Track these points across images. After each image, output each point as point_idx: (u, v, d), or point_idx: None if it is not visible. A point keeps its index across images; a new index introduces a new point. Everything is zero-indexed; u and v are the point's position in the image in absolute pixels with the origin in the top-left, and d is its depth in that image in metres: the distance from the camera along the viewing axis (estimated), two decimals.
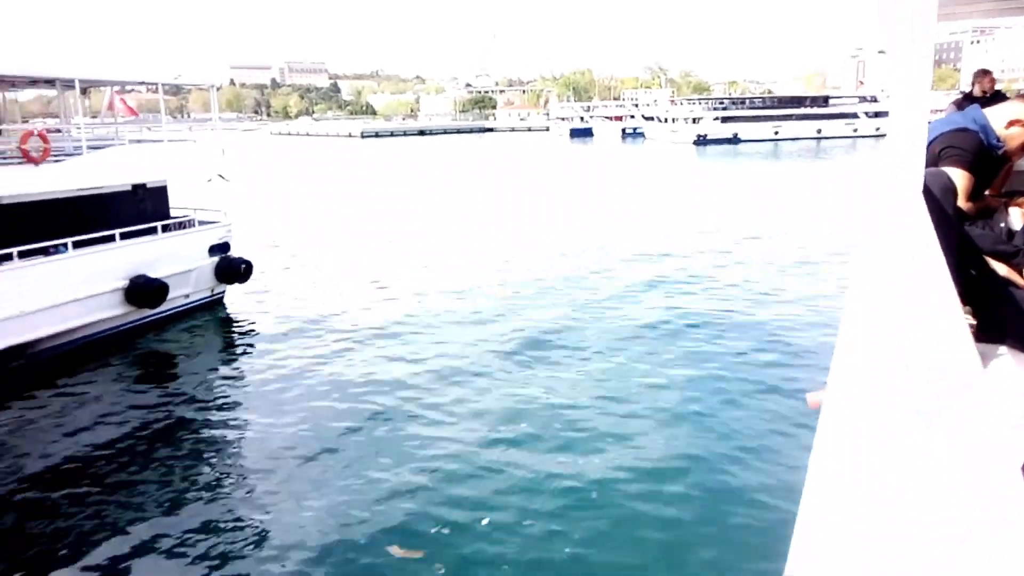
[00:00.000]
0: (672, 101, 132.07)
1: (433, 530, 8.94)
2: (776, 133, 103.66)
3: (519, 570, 8.16)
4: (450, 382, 13.89)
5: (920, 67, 2.72)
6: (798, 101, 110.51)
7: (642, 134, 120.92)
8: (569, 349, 15.69)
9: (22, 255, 14.76)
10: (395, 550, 8.54)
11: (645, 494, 9.76)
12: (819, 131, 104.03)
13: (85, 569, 8.42)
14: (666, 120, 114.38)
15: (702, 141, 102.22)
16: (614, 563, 8.30)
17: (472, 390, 13.47)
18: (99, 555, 8.67)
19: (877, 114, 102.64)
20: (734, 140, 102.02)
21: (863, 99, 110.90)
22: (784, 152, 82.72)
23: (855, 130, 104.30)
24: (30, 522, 9.43)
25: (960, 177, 3.55)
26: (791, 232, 29.70)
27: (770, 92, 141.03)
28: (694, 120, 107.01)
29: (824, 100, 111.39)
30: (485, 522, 9.09)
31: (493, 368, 14.68)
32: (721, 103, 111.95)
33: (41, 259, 15.18)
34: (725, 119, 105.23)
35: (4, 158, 15.84)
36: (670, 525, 9.03)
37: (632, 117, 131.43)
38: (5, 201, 14.95)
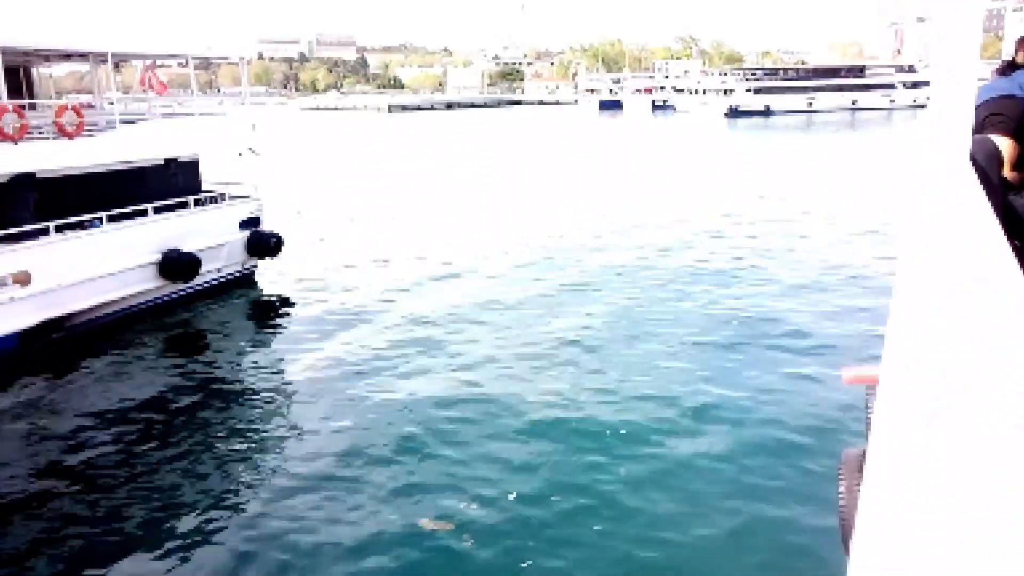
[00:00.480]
0: (703, 72, 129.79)
1: (462, 504, 9.00)
2: (810, 105, 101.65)
3: (545, 543, 8.19)
4: (476, 359, 13.91)
5: (968, 30, 2.60)
6: (832, 72, 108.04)
7: (672, 107, 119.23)
8: (600, 332, 15.63)
9: (59, 229, 14.99)
10: (425, 523, 8.61)
11: (681, 476, 9.73)
12: (854, 102, 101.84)
13: (113, 536, 8.61)
14: (697, 92, 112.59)
15: (734, 113, 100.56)
16: (639, 538, 8.30)
17: (498, 364, 13.48)
18: (129, 524, 8.85)
19: (915, 84, 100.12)
20: (766, 112, 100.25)
21: (900, 69, 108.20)
22: (818, 124, 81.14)
23: (892, 101, 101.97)
24: (63, 490, 9.66)
25: (1006, 145, 3.41)
26: (825, 208, 29.20)
27: (803, 62, 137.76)
28: (726, 92, 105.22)
29: (859, 70, 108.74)
30: (512, 497, 9.13)
31: (519, 340, 14.68)
32: (753, 74, 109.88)
33: (77, 233, 15.39)
34: (757, 91, 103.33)
35: (39, 132, 16.01)
36: (708, 515, 8.99)
37: (662, 89, 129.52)
38: (41, 175, 15.14)
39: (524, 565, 7.86)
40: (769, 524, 8.45)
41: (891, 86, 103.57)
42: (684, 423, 11.04)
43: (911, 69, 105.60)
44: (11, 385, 13.20)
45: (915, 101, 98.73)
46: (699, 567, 7.87)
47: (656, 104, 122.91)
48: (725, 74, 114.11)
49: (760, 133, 72.90)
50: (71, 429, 11.43)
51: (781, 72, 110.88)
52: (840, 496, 1.74)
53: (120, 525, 8.83)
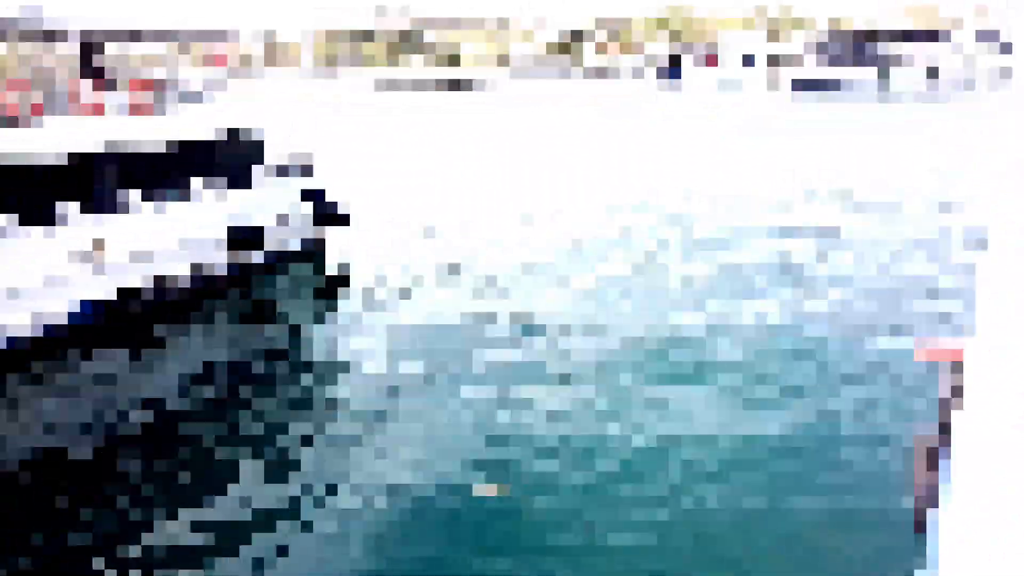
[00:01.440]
0: (771, 43, 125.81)
1: (519, 468, 9.03)
2: (883, 76, 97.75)
3: (606, 513, 8.17)
4: (551, 329, 13.91)
5: None
6: (908, 36, 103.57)
7: (738, 79, 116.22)
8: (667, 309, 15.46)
9: (136, 201, 15.51)
10: (478, 488, 8.68)
11: (748, 464, 9.60)
12: (931, 71, 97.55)
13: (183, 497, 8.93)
14: (763, 63, 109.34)
15: (801, 85, 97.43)
16: (705, 520, 8.22)
17: (567, 339, 13.45)
18: (203, 484, 9.18)
19: (1004, 49, 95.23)
20: (836, 84, 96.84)
21: (982, 34, 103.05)
22: (892, 95, 78.00)
23: (973, 67, 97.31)
24: (139, 454, 10.06)
25: None
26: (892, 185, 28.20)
27: (877, 29, 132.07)
28: (794, 63, 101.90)
29: (936, 36, 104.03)
30: (571, 459, 9.13)
31: (593, 316, 14.64)
32: (823, 44, 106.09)
33: (150, 205, 15.90)
34: (828, 62, 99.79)
35: (119, 108, 16.52)
36: (770, 504, 8.86)
37: (727, 61, 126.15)
38: (121, 150, 15.64)
39: (583, 527, 7.87)
40: (838, 505, 8.27)
41: (971, 52, 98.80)
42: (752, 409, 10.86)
43: (995, 34, 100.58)
44: (92, 352, 13.78)
45: (1000, 68, 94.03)
46: (770, 550, 7.76)
47: (720, 77, 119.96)
48: (793, 44, 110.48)
49: (829, 106, 70.49)
50: (141, 393, 11.87)
51: (853, 40, 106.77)
52: (912, 479, 1.68)
53: (186, 489, 9.16)
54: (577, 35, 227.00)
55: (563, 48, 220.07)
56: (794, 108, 66.71)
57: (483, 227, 23.03)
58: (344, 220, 20.04)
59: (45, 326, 13.84)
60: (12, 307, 13.16)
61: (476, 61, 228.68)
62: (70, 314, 14.21)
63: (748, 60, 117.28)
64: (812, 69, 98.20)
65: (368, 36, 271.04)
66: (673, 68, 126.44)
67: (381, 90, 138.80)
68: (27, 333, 13.52)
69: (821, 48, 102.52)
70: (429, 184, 32.13)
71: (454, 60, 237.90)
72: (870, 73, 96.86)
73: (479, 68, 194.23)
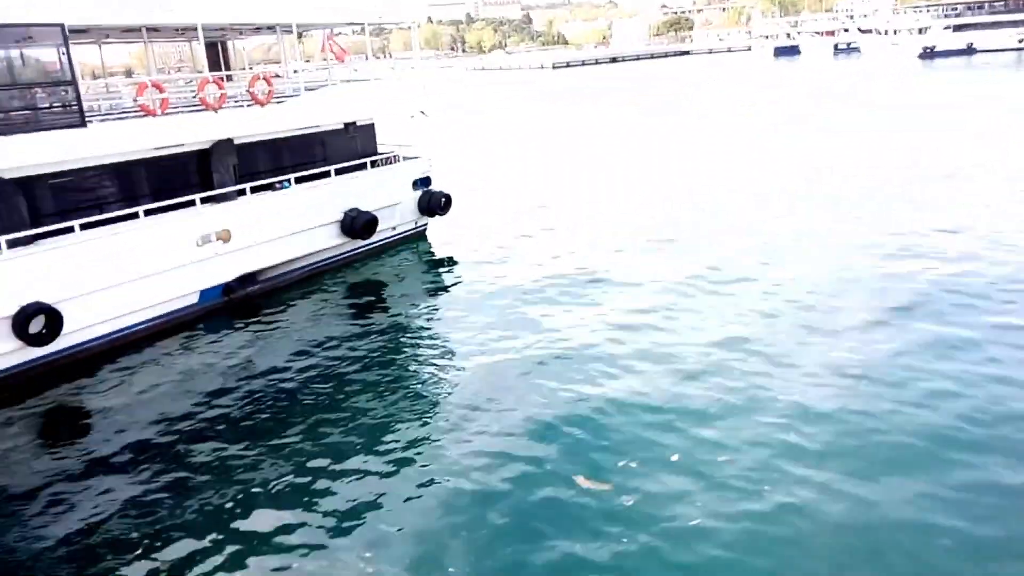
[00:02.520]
0: (894, 9, 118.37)
1: (621, 463, 9.00)
2: (1021, 41, 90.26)
3: (708, 507, 8.03)
4: (641, 327, 13.74)
5: None
6: None
7: (857, 49, 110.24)
8: (781, 299, 14.99)
9: (253, 191, 16.32)
10: (581, 480, 8.69)
11: (847, 454, 9.23)
12: None
13: (304, 463, 9.39)
14: (886, 32, 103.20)
15: (929, 54, 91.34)
16: (805, 509, 7.95)
17: (665, 333, 13.25)
18: (299, 456, 9.63)
19: None
20: (969, 51, 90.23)
21: None
22: None
23: None
24: (258, 425, 10.65)
25: None
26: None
27: None
28: (920, 31, 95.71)
29: None
30: (675, 458, 9.01)
31: (683, 312, 14.37)
32: (954, 9, 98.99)
33: (269, 194, 16.69)
34: (957, 27, 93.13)
35: (235, 102, 17.40)
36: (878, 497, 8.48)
37: (846, 31, 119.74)
38: (238, 141, 16.49)
39: (692, 523, 7.78)
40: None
41: None
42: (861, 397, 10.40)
43: None
44: (216, 332, 14.68)
45: None
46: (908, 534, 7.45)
47: (839, 47, 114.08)
48: (920, 10, 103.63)
49: (962, 76, 65.75)
50: (263, 373, 12.55)
51: (987, 5, 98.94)
52: None
53: (304, 464, 9.63)
54: (685, 13, 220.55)
55: (672, 25, 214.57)
56: (920, 75, 62.59)
57: (581, 214, 22.90)
58: (448, 206, 20.40)
59: (178, 308, 14.84)
60: (144, 290, 14.17)
61: (582, 40, 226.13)
62: (201, 294, 15.18)
63: (869, 29, 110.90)
64: (941, 34, 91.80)
65: (472, 20, 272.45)
66: (790, 45, 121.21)
67: (486, 71, 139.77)
68: (161, 312, 14.54)
69: (951, 13, 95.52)
70: (529, 168, 32.19)
71: (561, 40, 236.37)
72: (1007, 39, 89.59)
73: (585, 49, 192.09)
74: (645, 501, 8.22)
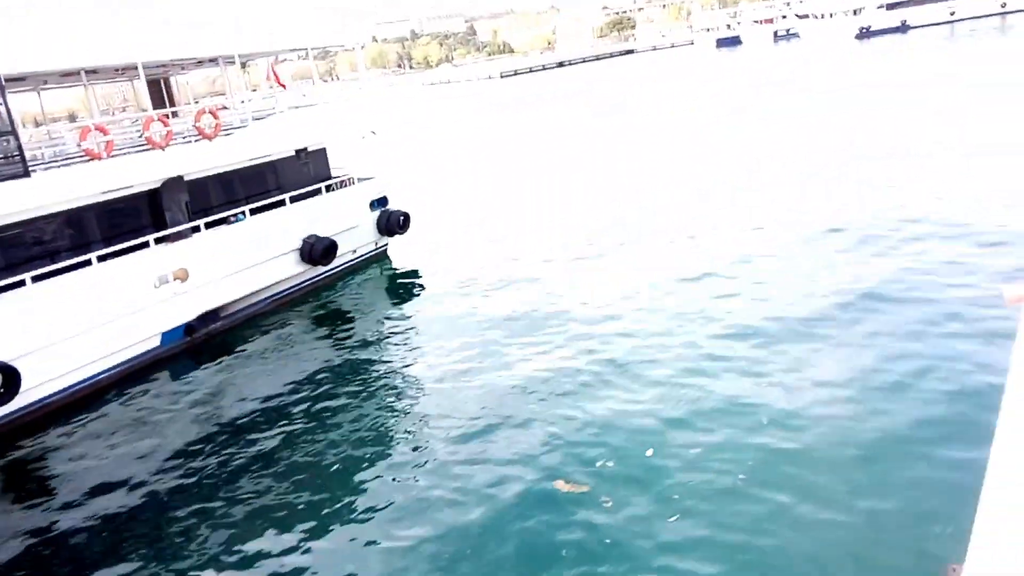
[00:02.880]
0: None
1: (598, 463, 9.04)
2: (952, 14, 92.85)
3: (686, 502, 8.11)
4: (608, 332, 13.84)
5: None
6: None
7: (796, 34, 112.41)
8: (739, 297, 15.18)
9: (208, 226, 16.12)
10: (560, 484, 8.72)
11: (819, 444, 9.38)
12: (1003, 5, 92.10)
13: (282, 500, 9.29)
14: (823, 16, 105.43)
15: (866, 33, 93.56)
16: (780, 502, 8.06)
17: (630, 339, 13.35)
18: (295, 495, 9.53)
19: None
20: (902, 28, 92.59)
21: None
22: (961, 35, 74.07)
23: None
24: (230, 468, 10.50)
25: None
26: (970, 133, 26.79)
27: None
28: (855, 12, 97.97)
29: None
30: (650, 453, 9.08)
31: (651, 316, 14.50)
32: None
33: (224, 228, 16.50)
34: (891, 5, 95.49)
35: (183, 137, 17.20)
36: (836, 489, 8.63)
37: (784, 17, 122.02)
38: (188, 177, 16.29)
39: (671, 520, 7.84)
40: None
41: None
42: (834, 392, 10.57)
43: None
44: (180, 375, 14.44)
45: None
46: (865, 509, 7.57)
47: (778, 34, 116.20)
48: None
49: (893, 53, 67.38)
50: (233, 411, 12.38)
51: None
52: None
53: (286, 496, 9.52)
54: (627, 13, 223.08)
55: (615, 25, 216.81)
56: (855, 54, 63.99)
57: (537, 224, 23.00)
58: (406, 225, 20.34)
59: (139, 353, 14.57)
60: (104, 337, 13.90)
61: (527, 48, 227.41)
62: (163, 336, 14.92)
63: (806, 14, 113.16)
64: (875, 14, 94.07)
65: (417, 36, 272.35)
66: (731, 36, 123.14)
67: (435, 86, 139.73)
68: (123, 359, 14.26)
69: None
70: (483, 181, 32.27)
71: (507, 49, 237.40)
72: (939, 13, 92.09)
73: (531, 56, 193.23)
74: (621, 500, 8.27)
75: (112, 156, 15.28)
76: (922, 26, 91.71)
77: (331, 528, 8.66)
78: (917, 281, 13.35)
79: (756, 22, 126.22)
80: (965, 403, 9.22)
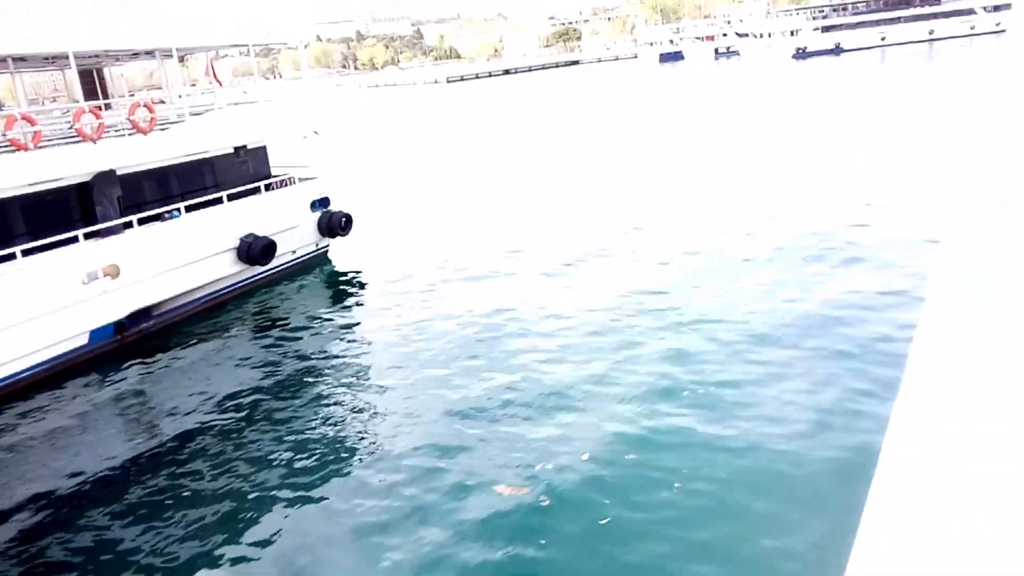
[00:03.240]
0: (768, 14, 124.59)
1: (537, 466, 9.11)
2: (883, 39, 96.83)
3: (620, 502, 8.24)
4: (550, 339, 13.95)
5: None
6: (906, 2, 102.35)
7: (736, 52, 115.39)
8: (668, 296, 15.47)
9: (141, 222, 15.65)
10: (501, 488, 8.76)
11: (738, 437, 9.63)
12: (931, 32, 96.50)
13: (217, 509, 9.07)
14: (762, 35, 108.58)
15: (801, 54, 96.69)
16: (707, 496, 8.26)
17: (575, 334, 13.50)
18: (229, 500, 9.32)
19: (997, 7, 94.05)
20: (836, 51, 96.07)
21: None
22: (892, 59, 77.23)
23: (972, 28, 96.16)
24: (158, 474, 10.21)
25: None
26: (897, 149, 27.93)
27: None
28: (792, 33, 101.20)
29: None
30: (585, 457, 9.19)
31: (592, 325, 14.67)
32: (821, 11, 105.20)
33: (158, 224, 16.04)
34: (826, 28, 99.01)
35: (116, 131, 16.67)
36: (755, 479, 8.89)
37: (725, 35, 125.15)
38: (121, 172, 15.79)
39: (602, 523, 7.95)
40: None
41: (970, 11, 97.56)
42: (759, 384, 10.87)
43: None
44: (109, 374, 13.97)
45: (998, 25, 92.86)
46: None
47: (719, 51, 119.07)
48: (791, 14, 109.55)
49: (827, 75, 69.80)
50: (165, 414, 12.04)
51: (851, 7, 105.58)
52: None
53: (220, 502, 9.30)
54: (573, 24, 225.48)
55: (561, 36, 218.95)
56: (792, 74, 66.17)
57: (479, 226, 23.05)
58: (348, 226, 20.09)
59: (66, 351, 14.04)
60: (27, 334, 13.35)
61: (474, 54, 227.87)
62: (91, 334, 14.41)
63: (745, 33, 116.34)
64: (811, 36, 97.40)
65: (362, 37, 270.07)
66: (674, 52, 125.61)
67: (380, 88, 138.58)
68: (48, 357, 13.73)
69: (818, 16, 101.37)
70: (427, 184, 32.19)
71: (453, 55, 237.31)
72: (870, 38, 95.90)
73: (478, 62, 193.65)
74: (559, 501, 8.36)
75: (40, 147, 14.73)
76: (855, 49, 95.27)
77: (260, 536, 8.49)
78: (850, 301, 13.86)
79: (698, 39, 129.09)
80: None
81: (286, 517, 8.77)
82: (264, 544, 8.29)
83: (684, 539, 7.61)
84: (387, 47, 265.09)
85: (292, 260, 19.39)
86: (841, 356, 11.31)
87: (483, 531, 8.03)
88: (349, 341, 14.68)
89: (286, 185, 19.68)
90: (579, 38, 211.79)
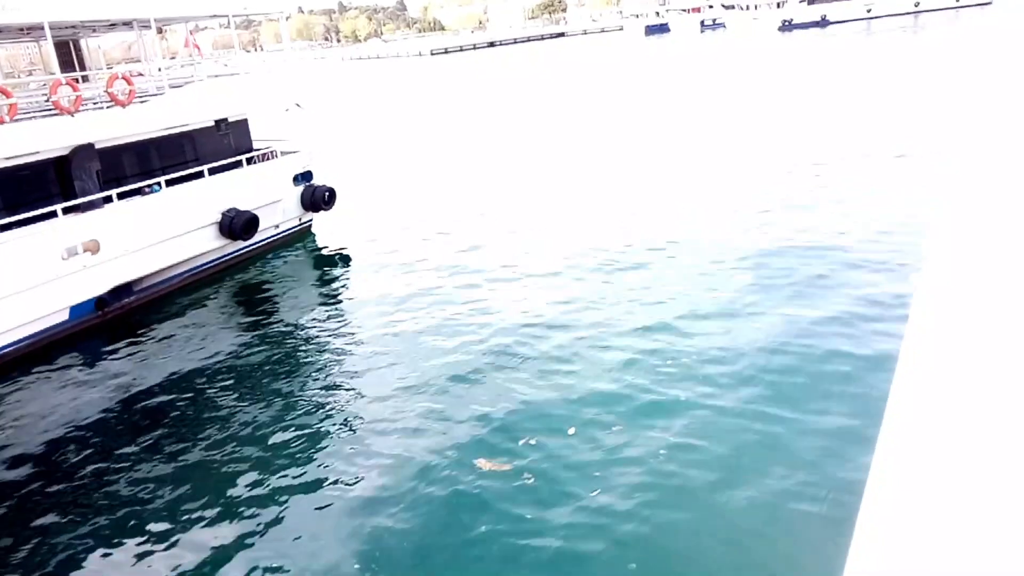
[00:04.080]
0: None
1: (521, 441, 9.15)
2: (868, 11, 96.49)
3: (606, 477, 8.30)
4: (534, 314, 13.95)
5: None
6: None
7: (723, 24, 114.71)
8: (652, 279, 15.50)
9: (120, 196, 15.45)
10: (482, 463, 8.79)
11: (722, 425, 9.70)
12: (916, 4, 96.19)
13: (200, 486, 9.08)
14: (747, 8, 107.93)
15: (787, 26, 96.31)
16: (690, 475, 8.35)
17: (561, 308, 13.51)
18: (212, 477, 9.32)
19: None
20: (822, 23, 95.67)
21: None
22: (877, 30, 77.07)
23: (958, 0, 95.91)
24: (143, 449, 10.19)
25: None
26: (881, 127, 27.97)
27: None
28: (778, 5, 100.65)
29: None
30: (572, 431, 9.24)
31: (575, 292, 14.68)
32: None
33: (138, 199, 15.84)
34: (812, 1, 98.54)
35: (94, 104, 16.38)
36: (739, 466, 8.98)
37: (711, 7, 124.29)
38: (100, 145, 15.55)
39: (589, 495, 8.01)
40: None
41: None
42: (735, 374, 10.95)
43: None
44: (91, 351, 13.87)
45: None
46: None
47: (705, 23, 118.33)
48: None
49: (814, 47, 69.60)
50: (147, 389, 11.98)
51: None
52: None
53: (202, 479, 9.30)
54: None
55: (547, 7, 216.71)
56: (778, 46, 65.91)
57: (462, 201, 22.95)
58: (332, 200, 19.93)
59: (45, 328, 13.91)
60: (8, 310, 13.21)
61: (458, 26, 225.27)
62: (71, 310, 14.28)
63: (731, 5, 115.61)
64: (796, 8, 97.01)
65: (345, 9, 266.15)
66: (660, 24, 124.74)
67: (363, 60, 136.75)
68: (27, 333, 13.60)
69: None
70: (411, 158, 31.95)
71: (438, 26, 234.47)
72: (856, 10, 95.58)
73: (462, 34, 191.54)
74: (542, 477, 8.41)
75: (16, 121, 14.46)
76: (841, 21, 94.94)
77: (241, 514, 8.50)
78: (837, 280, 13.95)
79: (684, 11, 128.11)
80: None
81: (267, 492, 8.77)
82: (246, 520, 8.31)
83: (672, 520, 7.69)
84: (370, 19, 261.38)
85: (275, 235, 19.24)
86: (834, 352, 11.40)
87: (461, 505, 8.06)
88: (332, 315, 14.63)
89: (268, 159, 19.47)
90: (564, 10, 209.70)
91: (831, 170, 21.05)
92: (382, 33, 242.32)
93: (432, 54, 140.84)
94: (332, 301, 15.59)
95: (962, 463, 0.85)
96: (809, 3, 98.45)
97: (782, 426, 8.93)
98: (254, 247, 18.42)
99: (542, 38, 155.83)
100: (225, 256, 17.76)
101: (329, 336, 13.50)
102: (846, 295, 12.51)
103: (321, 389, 11.41)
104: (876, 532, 0.75)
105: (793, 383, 9.90)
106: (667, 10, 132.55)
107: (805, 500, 7.61)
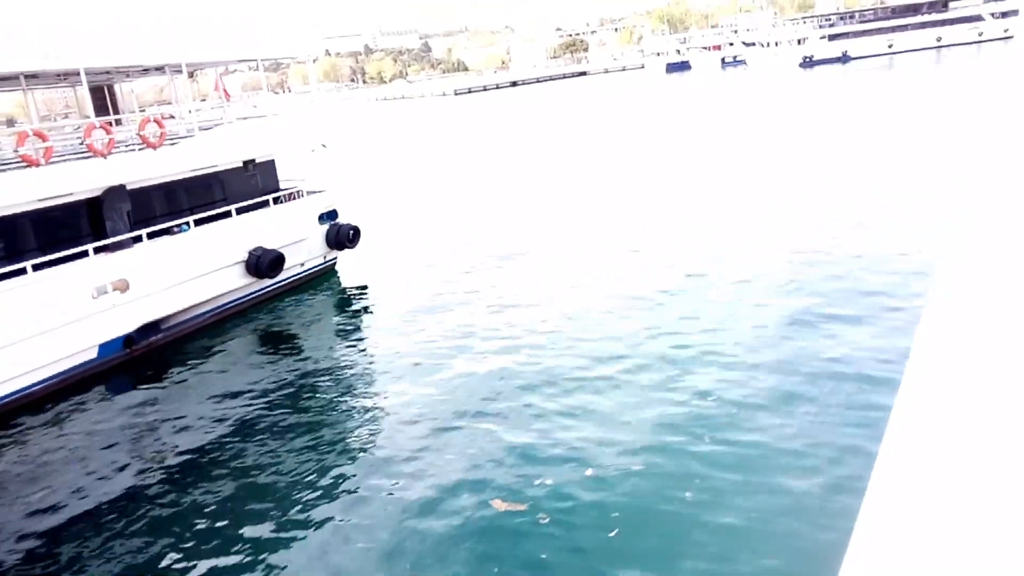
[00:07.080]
0: (774, 23, 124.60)
1: (536, 482, 9.07)
2: (890, 47, 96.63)
3: (623, 519, 8.20)
4: (557, 353, 13.93)
5: None
6: (914, 9, 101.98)
7: (743, 61, 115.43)
8: (675, 315, 15.45)
9: (150, 236, 15.77)
10: (498, 504, 8.72)
11: (746, 457, 9.58)
12: (939, 39, 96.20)
13: (230, 522, 9.10)
14: (768, 44, 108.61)
15: (808, 63, 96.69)
16: (712, 522, 8.22)
17: (580, 355, 13.47)
18: (239, 513, 9.34)
19: (1005, 14, 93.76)
20: (843, 59, 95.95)
21: None
22: (899, 66, 77.05)
23: (980, 34, 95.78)
24: (169, 488, 10.25)
25: None
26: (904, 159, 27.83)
27: (882, 2, 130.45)
28: (799, 41, 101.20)
29: (943, 4, 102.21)
30: (589, 473, 9.15)
31: (602, 332, 14.66)
32: (828, 20, 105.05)
33: (167, 238, 16.16)
34: (832, 37, 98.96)
35: (126, 146, 16.83)
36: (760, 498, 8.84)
37: (731, 45, 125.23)
38: (131, 186, 15.94)
39: (603, 541, 7.91)
40: None
41: (978, 18, 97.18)
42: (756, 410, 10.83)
43: None
44: (119, 388, 14.05)
45: (1006, 31, 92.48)
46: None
47: (725, 61, 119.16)
48: (798, 22, 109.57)
49: (834, 84, 69.68)
50: (173, 427, 12.09)
51: (858, 15, 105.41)
52: None
53: (230, 516, 9.33)
54: (580, 35, 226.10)
55: (568, 47, 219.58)
56: (799, 83, 66.10)
57: (490, 239, 23.08)
58: (356, 239, 20.17)
59: (75, 365, 14.14)
60: (37, 348, 13.46)
61: (481, 66, 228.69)
62: (100, 348, 14.51)
63: (752, 42, 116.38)
64: (817, 44, 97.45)
65: (371, 51, 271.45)
66: (680, 61, 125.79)
67: (388, 101, 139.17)
68: (58, 370, 13.83)
69: (825, 24, 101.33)
70: (436, 196, 32.26)
71: (461, 67, 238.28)
72: (878, 45, 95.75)
73: (485, 75, 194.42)
74: (558, 517, 8.32)
75: (51, 163, 14.89)
76: (862, 57, 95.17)
77: (268, 548, 8.51)
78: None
79: (705, 48, 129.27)
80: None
81: (288, 531, 8.77)
82: (268, 556, 8.30)
83: (693, 569, 7.57)
84: (395, 60, 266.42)
85: (300, 273, 19.48)
86: (838, 361, 11.26)
87: (476, 546, 7.99)
88: (356, 354, 14.72)
89: (294, 198, 19.80)
90: (586, 49, 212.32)
91: (852, 202, 20.94)
92: (407, 74, 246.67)
93: (456, 94, 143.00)
94: (355, 339, 15.69)
95: (965, 474, 0.86)
96: (830, 39, 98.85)
97: (792, 460, 8.78)
98: (280, 285, 18.65)
99: (564, 77, 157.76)
100: (251, 294, 17.99)
101: (352, 374, 13.57)
102: (867, 313, 12.36)
103: (343, 428, 11.45)
104: (875, 535, 0.77)
105: (806, 412, 9.76)
106: (688, 48, 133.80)
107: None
